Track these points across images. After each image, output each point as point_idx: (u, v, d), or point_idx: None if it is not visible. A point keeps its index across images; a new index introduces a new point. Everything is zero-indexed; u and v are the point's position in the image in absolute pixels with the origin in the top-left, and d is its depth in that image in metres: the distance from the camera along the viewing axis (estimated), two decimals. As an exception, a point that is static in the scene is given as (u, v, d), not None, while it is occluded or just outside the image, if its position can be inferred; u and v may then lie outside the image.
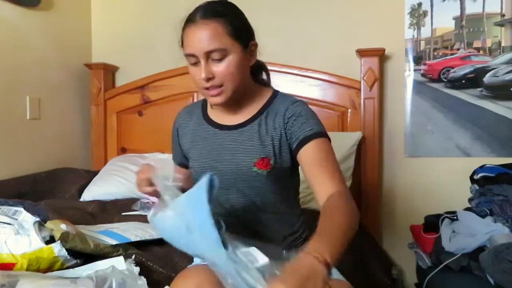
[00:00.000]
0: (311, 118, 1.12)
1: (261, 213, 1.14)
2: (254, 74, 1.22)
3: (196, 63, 1.07)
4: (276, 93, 1.19)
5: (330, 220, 0.91)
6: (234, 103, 1.15)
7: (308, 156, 1.07)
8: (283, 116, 1.12)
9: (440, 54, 2.33)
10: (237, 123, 1.16)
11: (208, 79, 1.06)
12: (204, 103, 1.26)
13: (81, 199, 2.23)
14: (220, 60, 1.05)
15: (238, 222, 1.11)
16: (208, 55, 1.05)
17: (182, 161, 1.28)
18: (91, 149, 2.74)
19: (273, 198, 1.14)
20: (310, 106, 1.19)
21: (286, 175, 1.17)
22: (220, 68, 1.06)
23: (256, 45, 1.14)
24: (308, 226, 1.28)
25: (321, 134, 1.10)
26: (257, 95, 1.18)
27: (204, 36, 1.04)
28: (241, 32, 1.09)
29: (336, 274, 1.14)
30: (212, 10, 1.07)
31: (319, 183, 1.03)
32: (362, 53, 2.27)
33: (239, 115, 1.16)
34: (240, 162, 1.11)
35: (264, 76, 1.24)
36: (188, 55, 1.08)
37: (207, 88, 1.08)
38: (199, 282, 0.87)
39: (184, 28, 1.09)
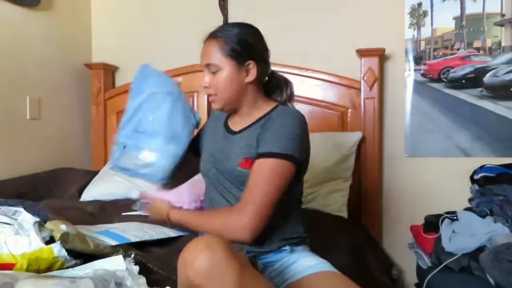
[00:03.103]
0: (284, 135, 1.16)
1: None
2: (269, 90, 1.32)
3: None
4: (280, 105, 1.28)
5: (207, 215, 1.24)
6: (236, 111, 1.29)
7: (253, 170, 1.16)
8: (273, 122, 1.20)
9: (440, 54, 2.33)
10: (239, 128, 1.28)
11: (205, 87, 1.25)
12: None
13: (81, 199, 2.23)
14: (214, 73, 1.23)
15: None
16: (207, 67, 1.24)
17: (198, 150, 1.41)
18: (91, 149, 2.74)
19: None
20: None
21: None
22: (213, 80, 1.24)
23: (254, 64, 1.23)
24: (308, 226, 1.29)
25: (277, 155, 1.14)
26: (261, 106, 1.28)
27: (205, 52, 1.25)
28: (237, 52, 1.22)
29: (332, 268, 1.17)
30: (217, 31, 1.24)
31: (243, 196, 1.15)
32: (362, 53, 2.27)
33: (243, 122, 1.28)
34: (230, 159, 1.23)
35: (277, 94, 1.32)
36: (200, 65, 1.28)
37: (210, 94, 1.26)
38: (210, 243, 0.90)
39: None
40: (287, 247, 1.21)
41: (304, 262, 1.18)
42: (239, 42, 1.24)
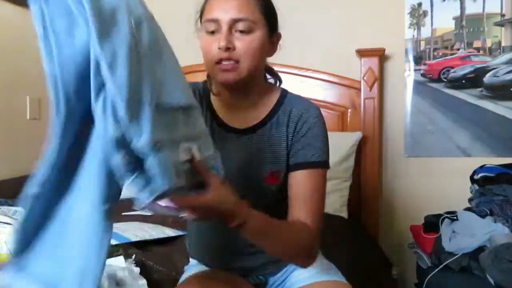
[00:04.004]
0: (319, 139, 1.03)
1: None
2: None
3: (214, 32, 0.96)
4: (285, 92, 1.09)
5: (283, 228, 0.95)
6: (242, 95, 1.03)
7: (299, 183, 1.01)
8: (296, 123, 1.02)
9: (440, 54, 2.33)
10: (245, 126, 1.04)
11: (227, 49, 0.93)
12: (206, 88, 1.09)
13: (81, 199, 2.23)
14: (245, 32, 0.94)
15: None
16: (233, 24, 0.94)
17: None
18: (91, 149, 2.74)
19: (282, 205, 1.06)
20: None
21: None
22: (243, 42, 0.94)
23: (279, 37, 1.05)
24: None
25: (320, 164, 1.02)
26: (266, 94, 1.07)
27: (235, 3, 0.94)
28: (272, 14, 1.01)
29: (336, 274, 1.14)
30: None
31: (297, 210, 1.00)
32: (362, 53, 2.27)
33: (247, 116, 1.05)
34: (248, 174, 1.02)
35: (272, 79, 1.15)
36: (208, 21, 0.96)
37: (219, 62, 0.95)
38: None
39: None
40: None
41: (307, 269, 1.09)
42: (273, 6, 1.02)
